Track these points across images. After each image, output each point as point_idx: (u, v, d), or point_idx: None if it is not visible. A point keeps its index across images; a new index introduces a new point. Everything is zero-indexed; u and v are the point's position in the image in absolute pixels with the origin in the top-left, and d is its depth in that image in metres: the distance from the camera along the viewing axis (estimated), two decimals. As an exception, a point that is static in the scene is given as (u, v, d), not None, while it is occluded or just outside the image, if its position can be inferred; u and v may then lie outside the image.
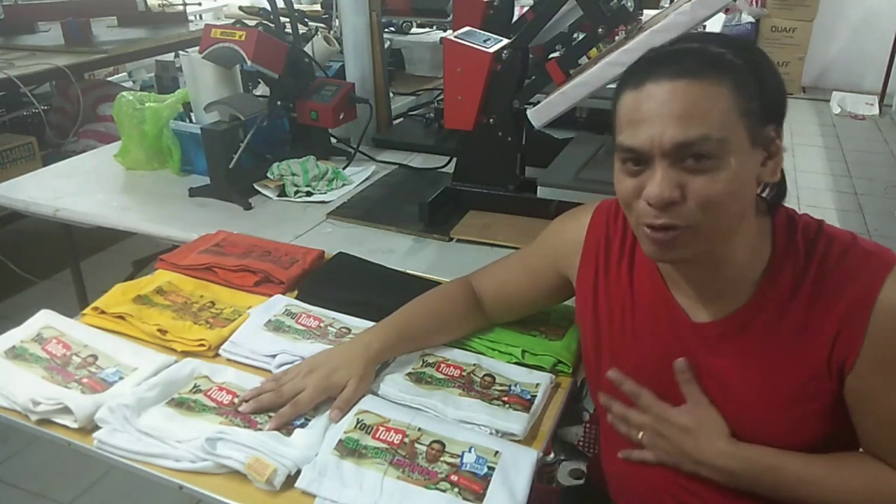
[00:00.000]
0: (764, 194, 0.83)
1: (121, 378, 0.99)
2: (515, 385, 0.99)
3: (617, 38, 1.69)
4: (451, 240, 1.48)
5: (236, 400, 0.95)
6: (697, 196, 0.74)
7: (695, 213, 0.74)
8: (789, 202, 0.85)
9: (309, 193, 1.70)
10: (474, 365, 1.04)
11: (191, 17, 4.09)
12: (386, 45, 2.41)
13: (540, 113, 1.46)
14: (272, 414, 0.92)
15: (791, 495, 0.81)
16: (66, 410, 0.91)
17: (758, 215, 0.82)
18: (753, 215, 0.81)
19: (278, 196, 1.70)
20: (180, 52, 3.34)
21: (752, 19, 5.68)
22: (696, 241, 0.77)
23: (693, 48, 0.77)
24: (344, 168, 1.83)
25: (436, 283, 1.15)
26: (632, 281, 0.91)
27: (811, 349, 0.78)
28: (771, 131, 0.77)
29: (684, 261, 0.81)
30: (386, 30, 2.68)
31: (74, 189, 1.76)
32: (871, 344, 0.75)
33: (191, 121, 1.82)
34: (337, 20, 2.19)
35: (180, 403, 0.94)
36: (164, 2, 4.11)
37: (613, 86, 1.45)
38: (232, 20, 3.47)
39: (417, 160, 1.93)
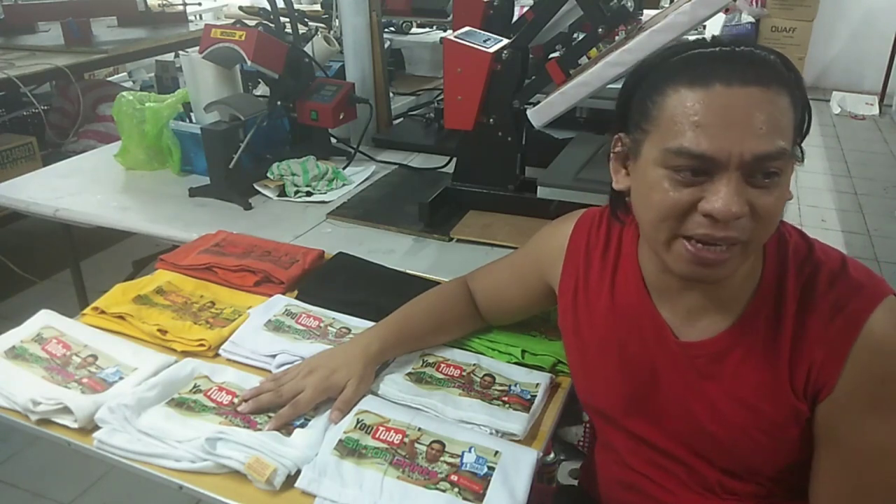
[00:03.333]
0: None
1: (121, 378, 0.99)
2: (515, 385, 0.99)
3: (617, 38, 1.69)
4: (451, 240, 1.48)
5: (236, 400, 0.95)
6: (763, 212, 0.70)
7: (756, 230, 0.71)
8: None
9: (309, 193, 1.70)
10: (474, 365, 1.04)
11: (191, 17, 4.09)
12: (386, 45, 2.41)
13: (540, 113, 1.46)
14: (272, 414, 0.92)
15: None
16: (66, 410, 0.91)
17: None
18: None
19: (278, 196, 1.70)
20: (180, 52, 3.34)
21: (752, 19, 5.68)
22: (737, 259, 0.73)
23: (759, 57, 0.71)
24: (344, 168, 1.83)
25: (436, 283, 1.15)
26: (613, 292, 0.89)
27: (793, 375, 0.76)
28: (798, 150, 0.74)
29: (721, 280, 0.75)
30: (386, 30, 2.68)
31: (74, 189, 1.76)
32: (847, 378, 0.73)
33: (191, 121, 1.82)
34: (337, 20, 2.19)
35: (180, 403, 0.94)
36: (164, 2, 4.11)
37: (613, 86, 1.46)
38: (232, 20, 3.46)
39: (417, 160, 1.93)
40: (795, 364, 0.76)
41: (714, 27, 3.41)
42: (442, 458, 0.86)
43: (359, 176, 1.80)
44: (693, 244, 0.72)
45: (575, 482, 1.37)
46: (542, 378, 1.01)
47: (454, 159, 1.66)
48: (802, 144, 0.75)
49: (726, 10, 5.25)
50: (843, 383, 0.74)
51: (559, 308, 0.98)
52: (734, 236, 0.70)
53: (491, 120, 1.51)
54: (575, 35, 1.68)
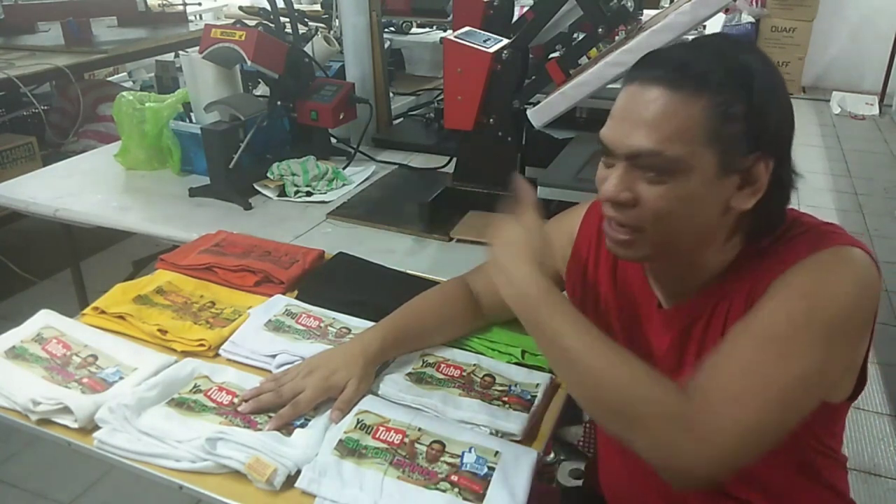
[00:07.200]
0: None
1: (121, 378, 0.99)
2: (515, 385, 1.00)
3: (617, 38, 1.69)
4: (451, 240, 1.48)
5: (236, 400, 0.95)
6: (645, 204, 0.76)
7: (642, 219, 0.76)
8: (790, 201, 0.84)
9: (309, 193, 1.70)
10: (474, 365, 1.04)
11: (191, 17, 4.09)
12: (386, 45, 2.42)
13: (540, 113, 1.46)
14: (272, 414, 0.92)
15: (549, 341, 0.79)
16: (66, 410, 0.91)
17: (738, 232, 0.81)
18: (724, 233, 0.80)
19: (278, 196, 1.70)
20: (180, 52, 3.34)
21: (752, 19, 5.68)
22: (644, 245, 0.79)
23: (685, 59, 0.74)
24: (344, 168, 1.83)
25: (436, 283, 1.15)
26: (616, 274, 0.94)
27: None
28: (753, 160, 0.74)
29: (638, 260, 0.85)
30: (386, 30, 2.68)
31: (74, 189, 1.76)
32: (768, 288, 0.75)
33: (191, 121, 1.82)
34: (337, 20, 2.19)
35: (180, 403, 0.94)
36: (164, 2, 4.11)
37: (613, 86, 1.46)
38: (232, 20, 3.47)
39: (417, 160, 1.93)
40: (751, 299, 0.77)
41: (714, 27, 3.40)
42: (442, 459, 0.86)
43: (359, 176, 1.80)
44: (607, 224, 0.81)
45: (577, 482, 1.37)
46: (542, 378, 1.01)
47: (454, 159, 1.66)
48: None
49: (726, 10, 5.25)
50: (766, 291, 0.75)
51: (567, 289, 1.01)
52: (619, 219, 0.78)
53: (491, 120, 1.51)
54: (575, 35, 1.67)
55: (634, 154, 0.74)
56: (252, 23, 1.91)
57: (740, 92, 0.72)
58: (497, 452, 0.87)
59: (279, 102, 1.82)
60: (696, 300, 0.84)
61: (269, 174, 1.72)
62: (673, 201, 0.74)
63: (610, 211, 0.79)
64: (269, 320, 1.12)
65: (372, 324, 1.07)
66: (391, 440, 0.88)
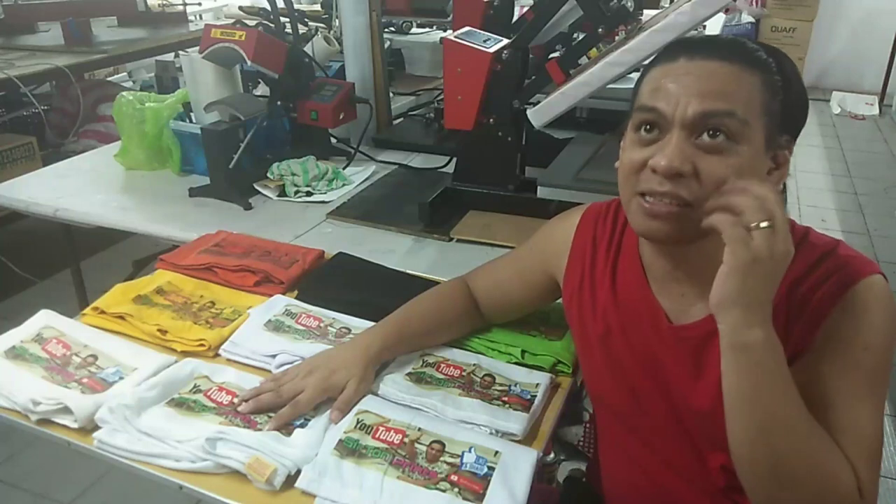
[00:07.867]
0: None
1: (121, 378, 0.99)
2: (515, 385, 0.99)
3: (617, 38, 1.69)
4: (451, 240, 1.48)
5: (236, 400, 0.95)
6: (706, 174, 0.73)
7: (701, 191, 0.73)
8: (790, 202, 0.84)
9: (309, 193, 1.70)
10: (474, 365, 1.04)
11: (191, 17, 4.10)
12: (386, 45, 2.42)
13: (540, 113, 1.46)
14: (272, 414, 0.92)
15: (758, 402, 0.73)
16: (66, 410, 0.91)
17: None
18: None
19: (278, 196, 1.70)
20: (180, 52, 3.34)
21: (752, 19, 5.68)
22: (690, 221, 0.75)
23: (730, 39, 0.78)
24: (344, 168, 1.83)
25: (436, 283, 1.15)
26: (615, 281, 0.91)
27: (784, 347, 0.77)
28: (784, 141, 0.77)
29: (678, 239, 0.78)
30: (386, 30, 2.68)
31: (74, 189, 1.76)
32: (819, 339, 0.76)
33: (191, 121, 1.82)
34: (337, 20, 2.19)
35: (180, 403, 0.94)
36: (164, 2, 4.11)
37: (614, 86, 1.46)
38: (232, 20, 3.47)
39: (417, 160, 1.94)
40: (785, 336, 0.76)
41: (714, 27, 3.42)
42: (442, 458, 0.86)
43: (359, 176, 1.80)
44: (646, 200, 0.77)
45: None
46: (542, 378, 1.01)
47: (454, 159, 1.66)
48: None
49: (726, 10, 5.25)
50: (813, 347, 0.76)
51: (564, 301, 0.99)
52: (675, 192, 0.74)
53: (491, 120, 1.51)
54: (575, 35, 1.68)
55: (705, 115, 0.72)
56: (252, 23, 1.91)
57: (780, 72, 0.76)
58: (497, 452, 0.87)
59: (279, 102, 1.82)
60: (712, 317, 0.79)
61: (269, 174, 1.72)
62: (731, 170, 0.73)
63: (664, 186, 0.74)
64: (269, 320, 1.12)
65: (372, 324, 1.07)
66: (391, 440, 0.88)
